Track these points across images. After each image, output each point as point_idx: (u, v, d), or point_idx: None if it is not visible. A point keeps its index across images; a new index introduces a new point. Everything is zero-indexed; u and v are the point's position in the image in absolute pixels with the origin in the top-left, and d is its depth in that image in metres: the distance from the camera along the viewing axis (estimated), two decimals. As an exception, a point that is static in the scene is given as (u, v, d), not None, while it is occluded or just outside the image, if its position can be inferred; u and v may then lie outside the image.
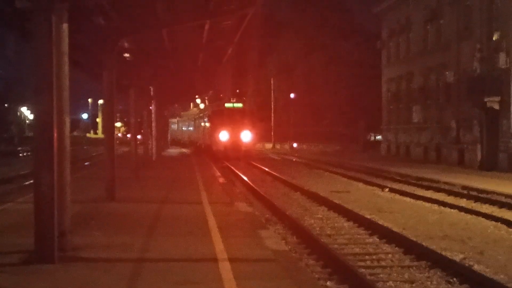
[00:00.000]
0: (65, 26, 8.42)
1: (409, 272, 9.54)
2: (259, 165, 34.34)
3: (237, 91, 78.89)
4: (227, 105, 42.30)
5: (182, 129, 70.35)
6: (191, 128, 59.78)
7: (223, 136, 40.08)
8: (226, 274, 7.37)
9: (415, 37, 41.28)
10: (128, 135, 44.16)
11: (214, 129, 41.34)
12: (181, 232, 10.39)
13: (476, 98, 30.10)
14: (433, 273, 9.43)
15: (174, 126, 77.16)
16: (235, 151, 39.14)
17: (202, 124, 49.49)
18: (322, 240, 11.70)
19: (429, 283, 8.97)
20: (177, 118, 76.70)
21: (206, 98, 64.40)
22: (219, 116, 41.16)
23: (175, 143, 70.25)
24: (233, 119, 40.15)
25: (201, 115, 51.83)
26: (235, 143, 39.76)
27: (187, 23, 18.29)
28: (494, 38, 29.72)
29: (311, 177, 27.97)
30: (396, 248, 11.18)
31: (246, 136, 40.46)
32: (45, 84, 7.76)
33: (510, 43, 27.95)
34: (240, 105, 42.28)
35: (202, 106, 62.37)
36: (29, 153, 46.28)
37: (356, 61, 63.20)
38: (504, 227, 13.70)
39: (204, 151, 45.22)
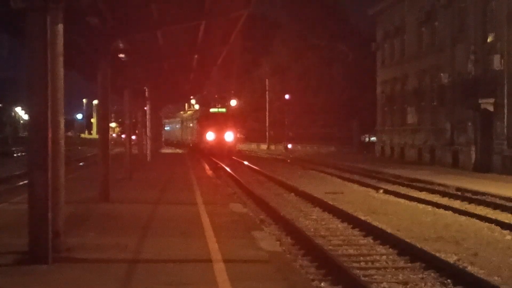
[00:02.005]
0: (60, 26, 8.38)
1: (403, 274, 9.56)
2: (253, 166, 34.40)
3: (232, 92, 79.64)
4: (212, 110, 49.50)
5: (174, 130, 74.41)
6: (182, 129, 65.71)
7: (209, 136, 47.40)
8: (220, 275, 7.37)
9: (410, 39, 41.35)
10: (123, 136, 44.20)
11: (201, 130, 48.73)
12: (175, 233, 10.39)
13: (470, 100, 30.17)
14: (427, 275, 9.45)
15: (166, 127, 78.16)
16: (219, 149, 45.90)
17: (191, 125, 56.07)
18: (316, 241, 11.70)
19: (423, 284, 8.99)
20: (170, 120, 77.67)
21: (194, 101, 70.28)
22: (206, 119, 48.35)
23: (168, 143, 70.78)
24: (218, 122, 47.29)
25: (190, 118, 58.81)
26: (219, 142, 46.93)
27: (182, 24, 18.31)
28: (488, 40, 29.81)
29: (306, 178, 28.00)
30: (390, 249, 11.21)
31: (229, 136, 47.81)
32: (40, 84, 7.74)
33: (504, 45, 28.03)
34: (223, 110, 49.49)
35: (197, 106, 65.94)
36: (23, 154, 46.15)
37: (351, 62, 63.26)
38: (498, 228, 13.74)
39: (192, 149, 52.30)
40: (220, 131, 47.17)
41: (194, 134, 54.03)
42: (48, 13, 7.77)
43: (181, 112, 72.13)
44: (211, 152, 45.16)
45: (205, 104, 55.93)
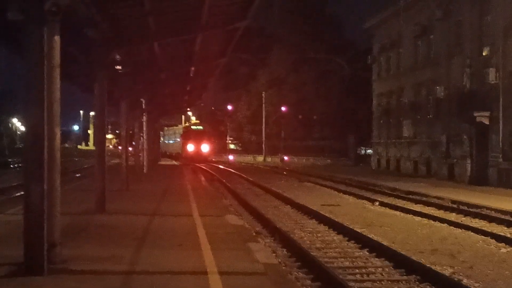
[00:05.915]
0: (57, 38, 8.38)
1: (398, 286, 9.56)
2: (250, 178, 34.39)
3: (229, 107, 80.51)
4: (193, 127, 65.07)
5: (165, 142, 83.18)
6: (171, 142, 79.75)
7: (190, 147, 61.95)
8: (216, 287, 7.37)
9: (406, 53, 41.54)
10: (119, 147, 44.31)
11: (184, 143, 63.32)
12: (171, 245, 10.37)
13: (466, 113, 30.29)
14: (422, 287, 9.45)
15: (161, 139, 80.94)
16: (197, 157, 59.43)
17: (177, 138, 71.58)
18: (312, 253, 11.70)
19: (418, 297, 9.00)
20: (162, 133, 79.68)
21: (191, 113, 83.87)
22: (187, 134, 63.43)
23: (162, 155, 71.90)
24: (196, 137, 61.89)
25: (174, 132, 76.32)
26: (197, 152, 61.50)
27: (179, 36, 18.36)
28: (484, 54, 29.96)
29: (302, 190, 27.99)
30: (386, 262, 11.20)
31: (205, 148, 62.57)
32: (36, 96, 7.75)
33: (499, 59, 28.18)
34: (201, 127, 64.92)
35: (193, 118, 73.35)
36: (20, 165, 46.04)
37: (347, 75, 63.46)
38: (493, 241, 13.75)
39: (175, 158, 67.27)
40: (198, 143, 61.59)
41: (175, 146, 71.39)
42: (45, 25, 7.79)
43: (166, 128, 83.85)
44: (192, 159, 57.72)
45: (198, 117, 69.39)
